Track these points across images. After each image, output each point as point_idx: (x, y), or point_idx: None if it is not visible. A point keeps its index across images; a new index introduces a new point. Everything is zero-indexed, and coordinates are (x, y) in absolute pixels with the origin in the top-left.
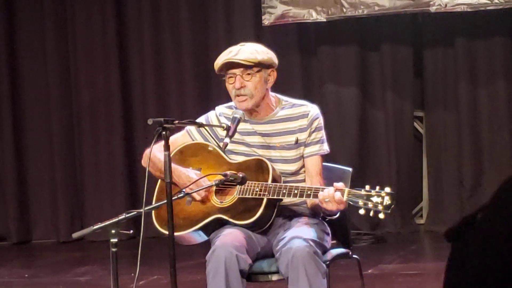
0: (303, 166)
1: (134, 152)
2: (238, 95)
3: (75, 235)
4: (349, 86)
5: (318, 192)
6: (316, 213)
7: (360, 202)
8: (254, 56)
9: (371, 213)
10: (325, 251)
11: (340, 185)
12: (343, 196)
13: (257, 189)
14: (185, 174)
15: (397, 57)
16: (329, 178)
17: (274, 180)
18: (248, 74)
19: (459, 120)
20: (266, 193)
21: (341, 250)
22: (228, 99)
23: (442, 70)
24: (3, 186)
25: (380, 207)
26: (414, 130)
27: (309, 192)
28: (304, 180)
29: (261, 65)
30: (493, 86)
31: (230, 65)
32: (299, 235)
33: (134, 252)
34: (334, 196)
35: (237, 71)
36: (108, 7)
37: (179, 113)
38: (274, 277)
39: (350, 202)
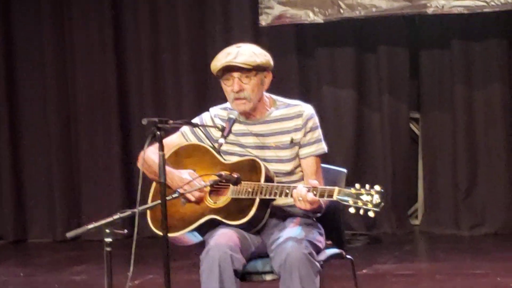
0: (298, 165)
1: (131, 152)
2: (237, 98)
3: (69, 234)
4: (346, 87)
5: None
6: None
7: (350, 201)
8: (253, 59)
9: (361, 212)
10: (319, 251)
11: (314, 183)
12: (316, 195)
13: (249, 189)
14: (178, 176)
15: (393, 59)
16: (324, 179)
17: (267, 180)
18: (247, 77)
19: (454, 122)
20: (259, 193)
21: (335, 251)
22: (225, 100)
23: (438, 72)
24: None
25: (369, 205)
26: (410, 132)
27: None
28: (300, 180)
29: (259, 68)
30: (489, 88)
31: (229, 68)
32: (293, 235)
33: (131, 251)
34: (306, 196)
35: (235, 74)
36: (105, 9)
37: (176, 113)
38: (268, 277)
39: (340, 201)
